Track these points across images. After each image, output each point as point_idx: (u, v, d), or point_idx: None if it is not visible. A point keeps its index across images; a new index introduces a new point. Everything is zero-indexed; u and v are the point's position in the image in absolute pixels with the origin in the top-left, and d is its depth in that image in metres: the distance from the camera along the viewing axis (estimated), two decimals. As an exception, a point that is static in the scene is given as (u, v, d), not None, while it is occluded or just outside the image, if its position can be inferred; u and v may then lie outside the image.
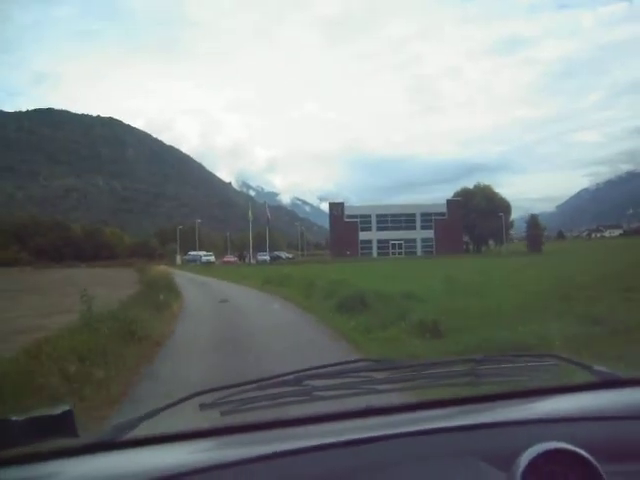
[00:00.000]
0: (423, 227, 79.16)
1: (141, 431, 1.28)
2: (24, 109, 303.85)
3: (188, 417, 1.44)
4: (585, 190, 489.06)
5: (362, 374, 1.48)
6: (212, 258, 76.49)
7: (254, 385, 1.40)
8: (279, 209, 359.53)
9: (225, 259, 79.78)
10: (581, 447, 1.07)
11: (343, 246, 74.67)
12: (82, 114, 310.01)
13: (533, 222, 72.35)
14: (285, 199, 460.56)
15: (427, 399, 1.42)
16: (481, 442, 1.19)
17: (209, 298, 20.59)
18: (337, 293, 14.90)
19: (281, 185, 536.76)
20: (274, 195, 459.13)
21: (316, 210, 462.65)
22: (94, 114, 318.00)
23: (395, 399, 1.44)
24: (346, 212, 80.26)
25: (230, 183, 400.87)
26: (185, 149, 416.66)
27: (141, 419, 1.31)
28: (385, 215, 79.80)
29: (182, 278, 34.32)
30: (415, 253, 76.32)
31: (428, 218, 79.13)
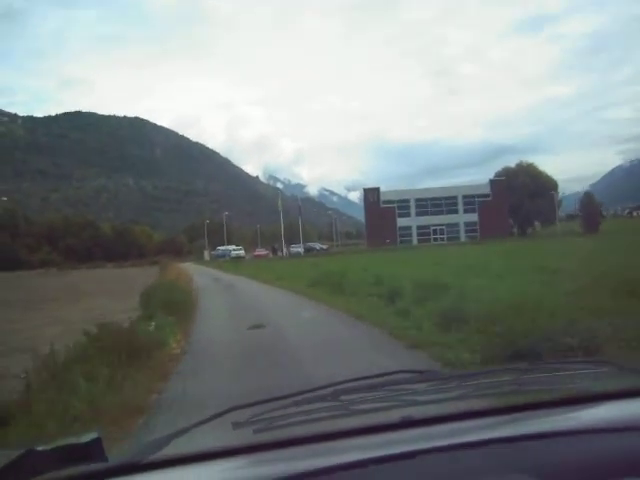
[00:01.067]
0: (466, 210, 72.82)
1: (171, 450, 1.21)
2: (53, 113, 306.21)
3: (220, 435, 1.39)
4: (619, 167, 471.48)
5: (402, 386, 1.43)
6: (242, 252, 71.79)
7: (289, 401, 1.36)
8: (307, 200, 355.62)
9: (256, 253, 74.41)
10: (633, 458, 1.01)
11: (380, 234, 69.28)
12: (109, 115, 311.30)
13: (588, 200, 65.94)
14: (312, 190, 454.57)
15: (468, 409, 1.33)
16: (527, 454, 1.09)
17: (234, 316, 13.78)
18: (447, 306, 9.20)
19: (308, 177, 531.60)
20: (301, 187, 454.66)
21: (344, 200, 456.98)
22: (120, 115, 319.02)
23: (436, 411, 1.33)
24: (382, 198, 74.28)
25: (257, 177, 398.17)
26: (211, 145, 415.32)
27: (171, 437, 1.26)
28: (424, 199, 73.85)
29: (205, 278, 30.34)
30: (458, 238, 70.18)
31: (471, 200, 73.02)
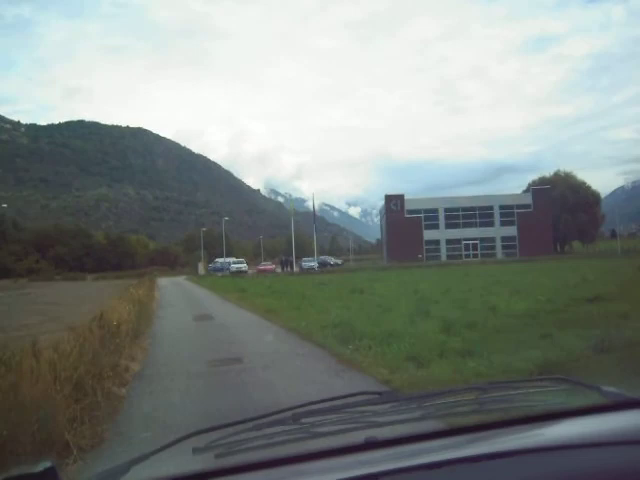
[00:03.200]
0: (503, 223, 62.30)
1: (130, 477, 1.17)
2: (56, 122, 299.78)
3: (180, 461, 1.33)
4: (621, 188, 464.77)
5: (363, 408, 1.40)
6: (244, 266, 60.53)
7: (249, 425, 1.32)
8: (308, 215, 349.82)
9: (260, 267, 61.02)
10: (595, 474, 1.01)
11: (403, 248, 59.42)
12: (112, 125, 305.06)
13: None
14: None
15: (431, 429, 1.31)
16: (490, 472, 1.09)
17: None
18: None
19: (309, 191, 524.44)
20: (302, 201, 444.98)
21: (344, 215, 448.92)
22: (123, 125, 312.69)
23: (399, 432, 1.29)
24: (407, 206, 63.41)
25: (259, 190, 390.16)
26: (214, 157, 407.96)
27: (130, 464, 1.21)
28: (455, 209, 63.05)
29: (184, 312, 16.72)
30: (494, 255, 60.38)
31: (509, 212, 62.37)
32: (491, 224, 63.04)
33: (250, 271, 58.82)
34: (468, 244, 62.30)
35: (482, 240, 62.30)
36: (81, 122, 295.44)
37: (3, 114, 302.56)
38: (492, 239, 62.81)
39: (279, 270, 58.05)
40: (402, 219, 62.77)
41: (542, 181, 68.70)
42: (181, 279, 49.65)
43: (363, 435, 1.23)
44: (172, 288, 33.36)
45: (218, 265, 65.23)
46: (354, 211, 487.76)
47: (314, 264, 56.02)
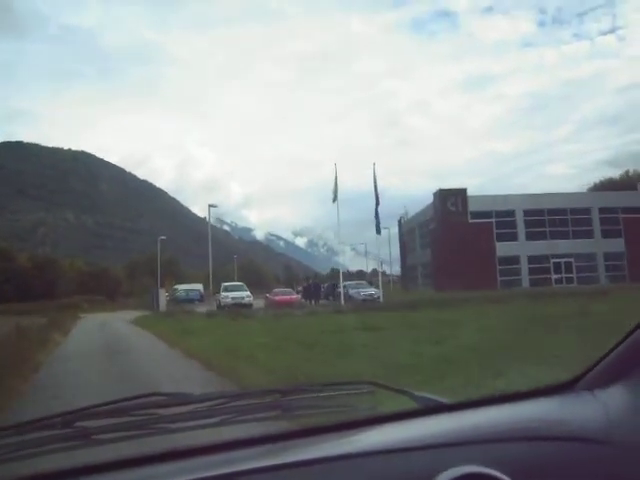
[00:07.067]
0: (605, 233, 43.21)
1: None
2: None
3: None
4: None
5: (149, 411, 1.21)
6: (247, 296, 33.59)
7: (11, 431, 1.11)
8: (255, 244, 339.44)
9: (277, 297, 33.76)
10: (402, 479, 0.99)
11: (463, 269, 38.15)
12: (53, 147, 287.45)
13: None
14: (259, 234, 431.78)
15: (232, 438, 1.13)
16: None
17: None
18: None
19: (255, 220, 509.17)
20: (248, 230, 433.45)
21: (291, 245, 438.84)
22: (65, 147, 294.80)
23: (195, 440, 1.11)
24: (470, 208, 42.89)
25: (205, 218, 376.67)
26: (159, 184, 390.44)
27: None
28: (539, 211, 43.16)
29: None
30: (596, 279, 41.27)
31: (612, 217, 43.17)
32: (589, 234, 43.40)
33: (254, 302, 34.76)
34: (559, 263, 42.66)
35: (578, 257, 42.80)
36: (19, 143, 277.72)
37: None
38: (592, 255, 43.20)
39: (306, 301, 35.08)
40: (464, 225, 41.40)
41: (609, 183, 51.76)
42: (126, 322, 26.75)
43: (153, 443, 1.08)
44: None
45: (181, 294, 45.50)
46: (300, 241, 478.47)
47: (374, 292, 32.94)
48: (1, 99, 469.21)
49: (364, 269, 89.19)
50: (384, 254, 52.86)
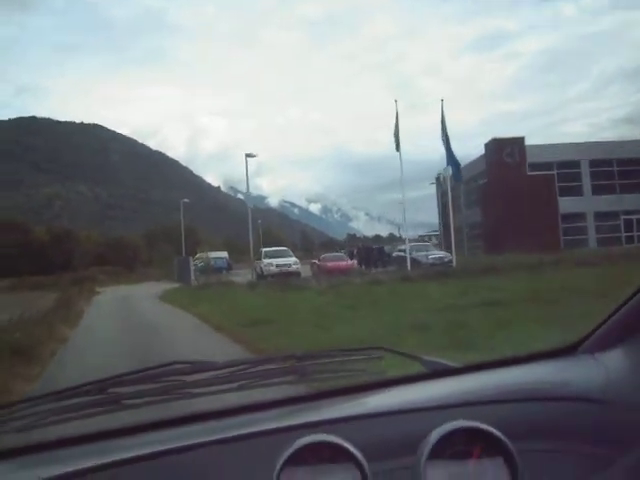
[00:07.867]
0: None
1: None
2: (6, 119, 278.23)
3: None
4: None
5: (174, 378, 1.30)
6: (294, 262, 29.35)
7: (50, 397, 1.20)
8: (269, 211, 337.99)
9: (331, 264, 30.00)
10: (415, 437, 1.00)
11: (523, 226, 32.52)
12: (65, 121, 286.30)
13: None
14: (273, 202, 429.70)
15: (252, 401, 1.21)
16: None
17: None
18: None
19: (269, 188, 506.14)
20: (262, 198, 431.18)
21: (305, 212, 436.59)
22: (77, 121, 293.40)
23: (217, 404, 1.20)
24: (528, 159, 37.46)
25: (219, 187, 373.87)
26: (172, 154, 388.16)
27: None
28: (608, 162, 37.61)
29: None
30: None
31: None
32: (663, 187, 37.04)
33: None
34: (630, 220, 37.15)
35: None
36: (33, 118, 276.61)
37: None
38: (666, 213, 37.34)
39: (363, 267, 32.64)
40: (522, 178, 35.96)
41: None
42: (154, 299, 22.22)
43: (178, 407, 1.17)
44: None
45: (216, 263, 37.70)
46: (314, 208, 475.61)
47: (443, 254, 29.16)
48: (11, 73, 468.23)
49: (381, 234, 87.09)
50: (400, 219, 48.07)
